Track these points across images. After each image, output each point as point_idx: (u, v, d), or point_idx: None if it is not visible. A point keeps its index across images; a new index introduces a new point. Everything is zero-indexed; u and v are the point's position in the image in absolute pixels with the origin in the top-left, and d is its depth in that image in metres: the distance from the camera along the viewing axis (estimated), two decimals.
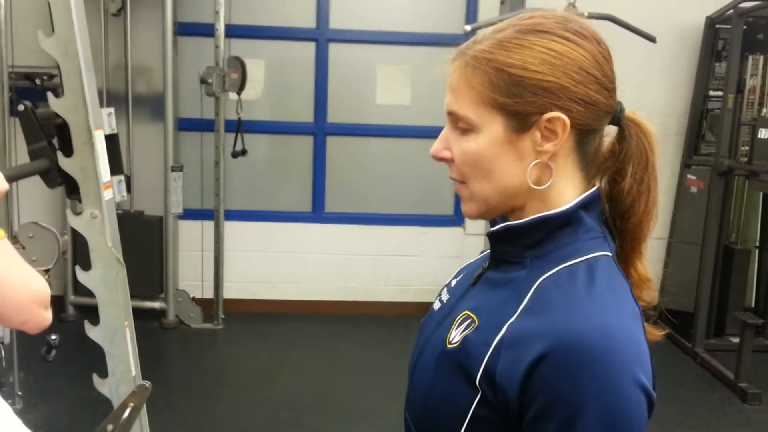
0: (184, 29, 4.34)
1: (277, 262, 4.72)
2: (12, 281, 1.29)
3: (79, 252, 2.20)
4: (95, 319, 1.92)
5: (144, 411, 2.00)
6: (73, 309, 4.35)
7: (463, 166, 0.83)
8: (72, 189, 1.88)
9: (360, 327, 4.58)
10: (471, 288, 0.89)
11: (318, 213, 4.76)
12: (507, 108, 0.79)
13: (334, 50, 4.61)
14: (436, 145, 0.85)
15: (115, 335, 1.91)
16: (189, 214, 4.46)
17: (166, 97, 4.23)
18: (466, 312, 0.84)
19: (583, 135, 0.81)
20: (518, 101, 0.78)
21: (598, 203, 0.84)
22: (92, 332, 1.91)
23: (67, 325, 4.19)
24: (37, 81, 4.16)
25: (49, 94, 1.84)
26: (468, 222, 4.72)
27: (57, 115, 1.84)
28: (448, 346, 0.82)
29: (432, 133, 3.94)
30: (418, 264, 4.81)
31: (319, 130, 4.68)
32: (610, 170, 0.85)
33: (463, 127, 0.82)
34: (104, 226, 1.88)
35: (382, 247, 4.77)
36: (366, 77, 4.68)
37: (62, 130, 1.84)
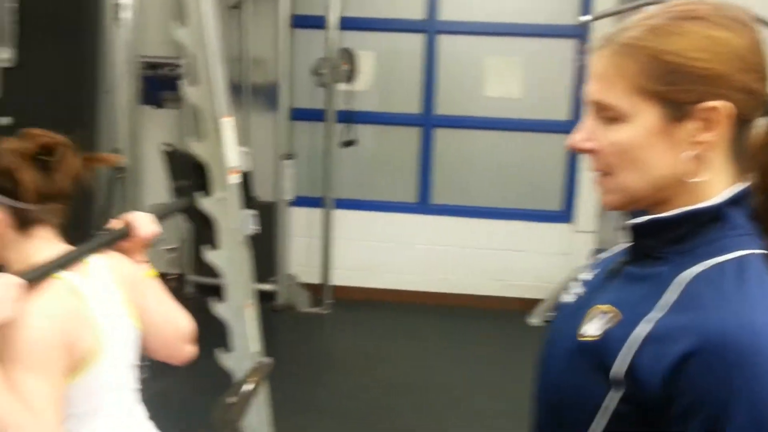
0: (298, 21, 4.46)
1: (382, 251, 4.78)
2: (161, 321, 1.41)
3: (204, 233, 2.31)
4: (214, 298, 2.02)
5: (264, 386, 2.09)
6: (193, 287, 4.59)
7: (612, 156, 0.80)
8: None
9: (462, 320, 4.57)
10: (608, 282, 0.87)
11: (424, 204, 4.78)
12: (663, 96, 0.76)
13: (443, 42, 4.60)
14: (579, 136, 0.82)
15: (239, 312, 2.01)
16: (300, 201, 4.60)
17: (280, 88, 4.38)
18: (605, 305, 0.81)
19: (740, 126, 0.77)
20: (675, 89, 0.75)
21: (748, 199, 0.80)
22: (218, 308, 2.01)
23: (187, 302, 4.42)
24: (162, 70, 4.42)
25: (183, 83, 1.95)
26: (578, 218, 4.59)
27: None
28: (582, 338, 0.81)
29: (542, 126, 3.91)
30: (523, 259, 4.73)
31: (427, 121, 4.69)
32: (762, 163, 0.81)
33: (611, 116, 0.79)
34: (231, 208, 1.97)
35: (486, 240, 4.73)
36: (475, 69, 4.64)
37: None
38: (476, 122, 4.67)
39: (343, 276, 4.75)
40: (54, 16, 1.75)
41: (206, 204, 1.99)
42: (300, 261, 4.72)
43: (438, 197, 4.79)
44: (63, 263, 1.21)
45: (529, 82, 4.59)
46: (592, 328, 0.80)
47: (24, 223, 1.21)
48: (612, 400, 0.76)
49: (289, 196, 4.48)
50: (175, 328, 1.43)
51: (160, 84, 4.46)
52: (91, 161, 1.28)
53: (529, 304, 4.66)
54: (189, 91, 1.94)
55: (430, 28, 4.56)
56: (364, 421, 3.23)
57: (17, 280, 1.08)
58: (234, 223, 1.98)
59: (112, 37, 2.75)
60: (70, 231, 1.33)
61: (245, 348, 2.04)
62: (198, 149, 1.95)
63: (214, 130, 1.94)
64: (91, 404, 1.21)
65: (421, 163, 4.75)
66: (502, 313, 4.64)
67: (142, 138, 3.48)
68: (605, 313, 0.80)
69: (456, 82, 4.66)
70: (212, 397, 2.05)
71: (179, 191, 1.94)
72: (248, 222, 2.10)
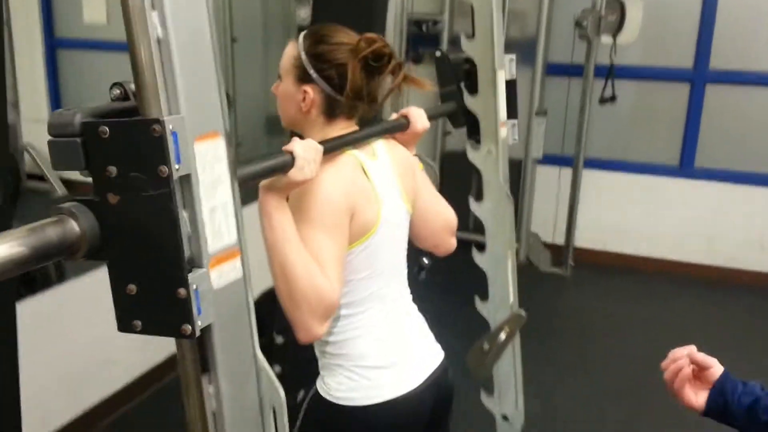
0: None
1: (634, 215, 4.52)
2: (431, 210, 1.48)
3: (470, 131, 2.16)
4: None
5: (517, 338, 2.13)
6: None
7: None
8: (473, 130, 2.03)
9: (723, 295, 4.18)
10: None
11: (686, 167, 4.40)
12: None
13: None
14: None
15: (499, 263, 2.06)
16: (548, 159, 4.51)
17: (538, 41, 4.28)
18: None
19: None
20: None
21: None
22: (478, 258, 2.08)
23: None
24: (423, 27, 4.56)
25: (462, 36, 2.00)
26: None
27: (466, 61, 2.00)
28: None
29: None
30: None
31: (699, 77, 4.27)
32: None
33: None
34: (498, 162, 2.01)
35: (760, 210, 4.24)
36: (765, 17, 4.09)
37: (469, 74, 2.00)
38: (761, 78, 4.15)
39: (589, 238, 4.60)
40: None
41: (473, 156, 2.04)
42: (544, 220, 4.66)
43: (703, 160, 4.38)
44: (353, 140, 1.32)
45: None
46: None
47: (332, 111, 1.32)
48: None
49: (537, 153, 4.41)
50: (444, 219, 1.49)
51: (420, 41, 4.61)
52: (407, 81, 1.34)
53: None
54: (466, 45, 1.98)
55: None
56: (608, 387, 3.14)
57: (319, 146, 1.18)
58: (500, 176, 2.02)
59: None
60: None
61: (502, 298, 2.09)
62: (472, 103, 2.00)
63: (490, 82, 1.97)
64: (365, 272, 1.31)
65: (687, 123, 4.35)
66: None
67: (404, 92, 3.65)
68: None
69: (740, 31, 4.15)
70: (467, 343, 2.14)
71: (446, 97, 2.00)
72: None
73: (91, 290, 2.50)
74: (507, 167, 2.06)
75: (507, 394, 2.15)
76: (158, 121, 0.76)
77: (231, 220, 0.89)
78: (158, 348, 2.79)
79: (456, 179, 3.83)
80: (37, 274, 2.50)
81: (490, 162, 2.01)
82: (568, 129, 4.48)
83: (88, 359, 2.59)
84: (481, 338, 2.07)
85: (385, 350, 1.34)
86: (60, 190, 4.15)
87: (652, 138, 4.50)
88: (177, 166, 0.78)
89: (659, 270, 4.45)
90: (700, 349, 1.11)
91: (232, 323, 0.91)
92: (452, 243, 1.52)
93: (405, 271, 1.44)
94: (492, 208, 2.04)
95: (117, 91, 0.84)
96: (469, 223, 4.17)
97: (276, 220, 1.15)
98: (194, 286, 0.80)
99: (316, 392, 1.34)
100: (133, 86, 0.81)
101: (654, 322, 3.83)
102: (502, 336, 2.04)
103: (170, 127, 0.77)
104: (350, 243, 1.25)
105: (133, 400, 2.83)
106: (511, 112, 2.06)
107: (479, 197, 2.06)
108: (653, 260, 4.49)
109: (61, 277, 2.53)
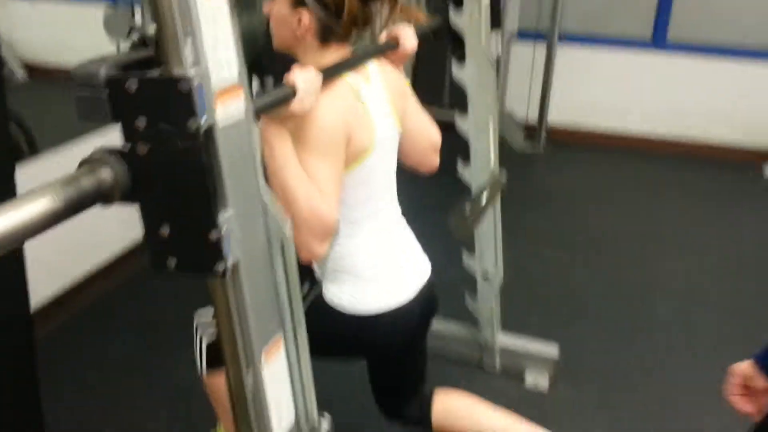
0: None
1: (607, 91, 4.56)
2: (417, 128, 1.52)
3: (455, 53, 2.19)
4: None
5: (498, 203, 2.19)
6: None
7: None
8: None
9: (692, 169, 4.33)
10: None
11: (659, 41, 4.40)
12: None
13: None
14: None
15: (481, 128, 2.09)
16: (522, 35, 4.46)
17: None
18: None
19: None
20: None
21: None
22: (461, 122, 2.10)
23: None
24: None
25: None
26: None
27: None
28: None
29: None
30: None
31: None
32: None
33: None
34: (481, 26, 1.99)
35: (731, 83, 4.31)
36: None
37: None
38: None
39: (563, 115, 4.64)
40: None
41: (456, 20, 2.01)
42: (518, 98, 4.67)
43: (677, 34, 4.37)
44: (347, 66, 1.33)
45: None
46: None
47: (326, 36, 1.33)
48: None
49: (512, 26, 4.35)
50: (428, 137, 1.55)
51: None
52: (402, 12, 1.38)
53: None
54: None
55: None
56: (580, 254, 3.29)
57: (319, 77, 1.21)
58: (482, 39, 2.00)
59: None
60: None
61: (483, 163, 2.13)
62: None
63: None
64: (361, 193, 1.38)
65: None
66: (741, 165, 4.31)
67: None
68: None
69: None
70: (448, 207, 2.20)
71: (433, 10, 1.98)
72: (496, 43, 2.10)
73: (68, 164, 2.47)
74: (489, 31, 2.04)
75: (487, 253, 2.24)
76: (185, 78, 0.78)
77: (232, 53, 0.89)
78: None
79: (431, 56, 3.80)
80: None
81: (473, 26, 1.99)
82: (543, 2, 4.40)
83: (78, 231, 2.60)
84: (463, 201, 2.12)
85: (378, 266, 1.43)
86: (19, 74, 3.99)
87: (626, 12, 4.47)
88: (203, 119, 0.80)
89: (634, 147, 4.55)
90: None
91: (239, 160, 0.93)
92: (435, 161, 1.57)
93: (395, 190, 1.50)
94: (474, 72, 2.04)
95: (135, 38, 0.85)
96: (443, 99, 4.19)
97: (277, 149, 1.19)
98: (224, 228, 0.84)
99: (321, 293, 1.43)
100: (149, 32, 0.82)
101: (625, 196, 3.97)
102: (483, 199, 2.10)
103: (196, 82, 0.79)
104: (347, 166, 1.30)
105: (125, 272, 2.89)
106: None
107: (461, 60, 2.05)
108: (628, 138, 4.58)
109: (33, 150, 2.49)
